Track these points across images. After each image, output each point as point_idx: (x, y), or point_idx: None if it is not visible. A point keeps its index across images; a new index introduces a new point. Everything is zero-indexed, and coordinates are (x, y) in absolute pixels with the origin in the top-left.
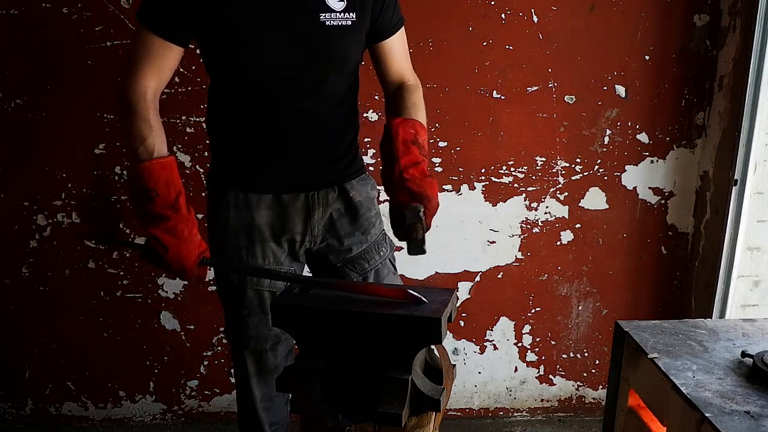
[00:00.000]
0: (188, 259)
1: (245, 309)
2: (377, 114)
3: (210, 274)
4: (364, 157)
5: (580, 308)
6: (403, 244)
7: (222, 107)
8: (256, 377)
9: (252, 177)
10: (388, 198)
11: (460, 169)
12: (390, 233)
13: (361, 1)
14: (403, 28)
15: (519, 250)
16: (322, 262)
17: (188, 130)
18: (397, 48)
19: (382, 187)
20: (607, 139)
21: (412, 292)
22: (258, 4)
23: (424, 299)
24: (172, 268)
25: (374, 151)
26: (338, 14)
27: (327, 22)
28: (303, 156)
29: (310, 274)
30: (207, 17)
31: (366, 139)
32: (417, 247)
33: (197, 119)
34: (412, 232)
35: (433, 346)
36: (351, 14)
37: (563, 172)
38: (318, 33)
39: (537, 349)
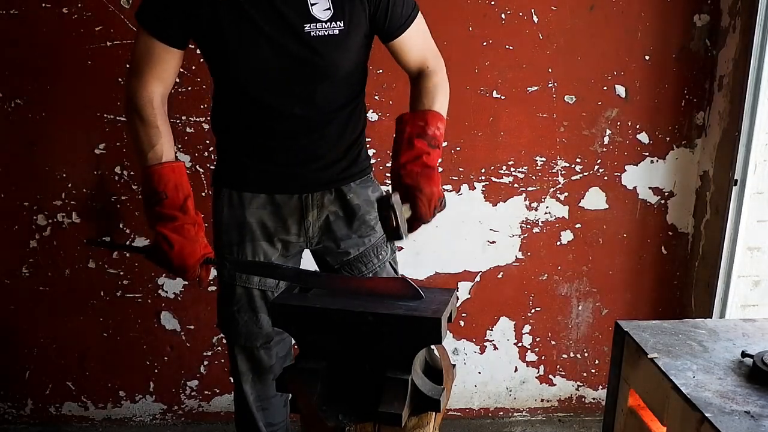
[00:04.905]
0: (191, 258)
1: (234, 305)
2: (377, 114)
3: (212, 275)
4: None
5: (580, 308)
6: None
7: (222, 108)
8: (248, 375)
9: (246, 176)
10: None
11: (460, 169)
12: None
13: (350, 8)
14: (419, 15)
15: (519, 250)
16: (322, 263)
17: (188, 130)
18: (413, 40)
19: (386, 188)
20: (607, 139)
21: (409, 280)
22: (243, 17)
23: (422, 293)
24: (174, 266)
25: (374, 151)
26: (324, 24)
27: (312, 33)
28: (297, 160)
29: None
30: (198, 26)
31: (366, 139)
32: (391, 236)
33: (197, 119)
34: (384, 220)
35: (433, 346)
36: (338, 23)
37: (563, 172)
38: (303, 44)
39: (537, 349)
